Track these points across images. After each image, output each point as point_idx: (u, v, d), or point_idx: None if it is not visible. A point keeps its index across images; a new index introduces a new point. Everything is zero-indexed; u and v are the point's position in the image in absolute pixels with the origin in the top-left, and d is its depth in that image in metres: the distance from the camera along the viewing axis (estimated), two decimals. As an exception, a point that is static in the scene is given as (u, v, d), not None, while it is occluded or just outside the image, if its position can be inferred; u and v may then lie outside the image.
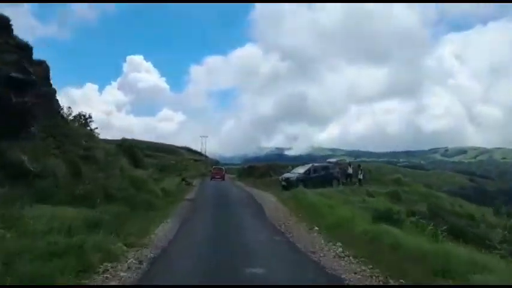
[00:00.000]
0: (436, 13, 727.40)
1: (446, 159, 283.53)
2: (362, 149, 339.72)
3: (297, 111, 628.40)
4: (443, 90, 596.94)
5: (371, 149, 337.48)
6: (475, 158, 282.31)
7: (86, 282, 7.14)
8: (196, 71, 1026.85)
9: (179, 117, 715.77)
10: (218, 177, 48.00)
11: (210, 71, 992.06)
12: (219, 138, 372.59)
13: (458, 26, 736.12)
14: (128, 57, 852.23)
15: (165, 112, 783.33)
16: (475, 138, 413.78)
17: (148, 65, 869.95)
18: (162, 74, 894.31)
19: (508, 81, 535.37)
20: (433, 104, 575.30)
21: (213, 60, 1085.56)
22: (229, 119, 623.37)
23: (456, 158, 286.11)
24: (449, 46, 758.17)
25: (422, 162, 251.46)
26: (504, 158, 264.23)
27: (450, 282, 7.35)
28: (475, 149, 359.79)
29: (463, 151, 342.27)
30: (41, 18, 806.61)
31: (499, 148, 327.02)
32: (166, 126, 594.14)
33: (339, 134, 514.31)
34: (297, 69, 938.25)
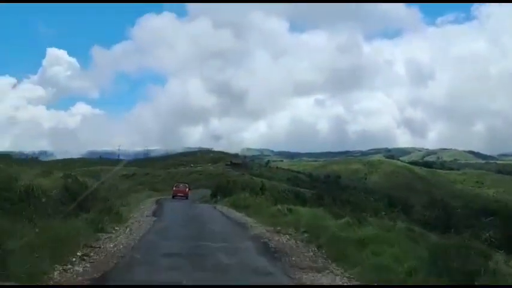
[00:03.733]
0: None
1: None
2: (292, 150, 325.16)
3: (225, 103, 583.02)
4: (376, 88, 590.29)
5: (301, 149, 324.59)
6: (422, 159, 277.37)
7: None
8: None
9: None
10: (181, 194, 43.43)
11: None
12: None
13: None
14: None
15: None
16: (409, 139, 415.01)
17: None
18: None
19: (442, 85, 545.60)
20: (365, 102, 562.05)
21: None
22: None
23: (404, 159, 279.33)
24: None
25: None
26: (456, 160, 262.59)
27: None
28: (418, 150, 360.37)
29: (406, 152, 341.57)
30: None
31: (445, 149, 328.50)
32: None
33: (268, 132, 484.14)
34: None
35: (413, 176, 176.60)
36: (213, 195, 39.18)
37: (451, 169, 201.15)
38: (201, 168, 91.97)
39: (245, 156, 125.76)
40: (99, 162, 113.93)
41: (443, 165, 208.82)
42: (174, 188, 46.17)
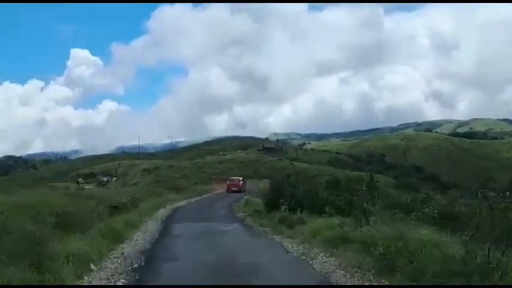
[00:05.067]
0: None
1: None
2: (318, 132, 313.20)
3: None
4: (400, 62, 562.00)
5: (328, 130, 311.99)
6: (454, 130, 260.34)
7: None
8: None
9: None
10: (235, 188, 39.82)
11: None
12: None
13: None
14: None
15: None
16: (438, 112, 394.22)
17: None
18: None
19: (469, 54, 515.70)
20: (390, 77, 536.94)
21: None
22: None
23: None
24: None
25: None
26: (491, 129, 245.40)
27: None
28: (449, 121, 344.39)
29: (436, 124, 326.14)
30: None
31: (476, 119, 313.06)
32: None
33: (293, 115, 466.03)
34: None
35: (455, 148, 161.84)
36: (271, 204, 17.28)
37: (494, 138, 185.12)
38: (231, 156, 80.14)
39: (277, 140, 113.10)
40: (121, 158, 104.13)
41: (485, 135, 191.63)
42: (227, 183, 42.65)
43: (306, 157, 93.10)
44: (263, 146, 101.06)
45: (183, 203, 26.49)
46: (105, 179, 65.14)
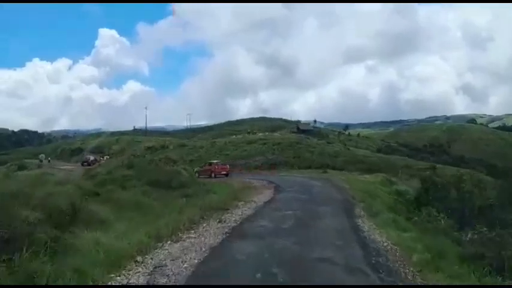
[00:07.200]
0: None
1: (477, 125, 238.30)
2: (342, 121, 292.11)
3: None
4: (428, 54, 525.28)
5: (353, 120, 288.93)
6: (486, 126, 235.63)
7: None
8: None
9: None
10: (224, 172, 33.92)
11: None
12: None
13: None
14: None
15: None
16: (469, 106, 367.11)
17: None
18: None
19: (498, 48, 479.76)
20: (418, 67, 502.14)
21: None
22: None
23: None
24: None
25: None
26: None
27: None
28: (480, 116, 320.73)
29: (466, 119, 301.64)
30: None
31: (510, 115, 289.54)
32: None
33: (317, 103, 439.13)
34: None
35: (505, 143, 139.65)
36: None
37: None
38: (262, 135, 60.40)
39: (315, 121, 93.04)
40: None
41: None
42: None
43: (353, 143, 72.66)
44: (297, 127, 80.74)
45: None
46: (41, 158, 47.78)
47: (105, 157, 47.64)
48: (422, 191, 14.74)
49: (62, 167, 39.31)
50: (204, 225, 10.11)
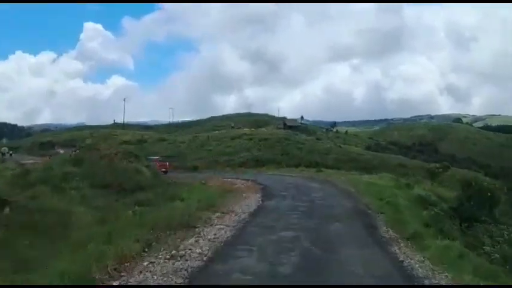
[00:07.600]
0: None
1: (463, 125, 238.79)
2: (327, 119, 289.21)
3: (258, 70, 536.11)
4: (416, 52, 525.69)
5: (337, 118, 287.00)
6: (471, 125, 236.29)
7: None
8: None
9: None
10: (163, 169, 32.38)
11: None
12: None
13: None
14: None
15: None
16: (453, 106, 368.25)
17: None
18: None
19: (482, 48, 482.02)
20: (403, 67, 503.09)
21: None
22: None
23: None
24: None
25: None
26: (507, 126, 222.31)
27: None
28: (464, 116, 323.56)
29: (450, 119, 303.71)
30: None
31: (493, 115, 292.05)
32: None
33: (302, 100, 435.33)
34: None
35: (491, 143, 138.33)
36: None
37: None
38: (248, 130, 56.00)
39: (302, 117, 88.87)
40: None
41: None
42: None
43: (340, 140, 68.84)
44: (284, 124, 76.48)
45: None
46: (3, 151, 43.56)
47: (76, 151, 43.04)
48: (464, 199, 10.79)
49: (24, 161, 34.82)
50: (145, 264, 5.79)
